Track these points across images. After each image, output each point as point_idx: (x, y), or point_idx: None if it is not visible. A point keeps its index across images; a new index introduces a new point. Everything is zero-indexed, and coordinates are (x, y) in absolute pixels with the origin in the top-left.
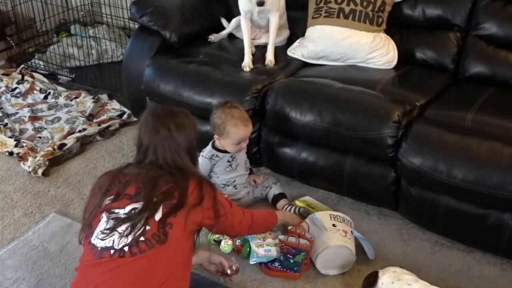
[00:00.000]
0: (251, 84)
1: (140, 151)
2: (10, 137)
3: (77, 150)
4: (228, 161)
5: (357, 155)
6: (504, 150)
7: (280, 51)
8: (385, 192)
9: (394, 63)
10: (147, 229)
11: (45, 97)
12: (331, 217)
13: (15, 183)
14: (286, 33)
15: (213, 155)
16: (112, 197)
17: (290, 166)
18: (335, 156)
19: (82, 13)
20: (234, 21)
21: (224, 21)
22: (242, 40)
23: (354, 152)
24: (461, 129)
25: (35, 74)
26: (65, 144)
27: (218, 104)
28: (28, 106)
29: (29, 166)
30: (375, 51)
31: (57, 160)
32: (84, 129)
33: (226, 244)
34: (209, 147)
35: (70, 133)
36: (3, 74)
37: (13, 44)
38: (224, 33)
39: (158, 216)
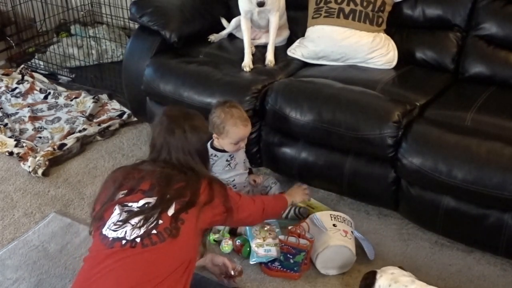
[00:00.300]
0: (251, 84)
1: (154, 151)
2: (10, 137)
3: (77, 150)
4: (227, 161)
5: (357, 155)
6: (504, 150)
7: (280, 51)
8: (385, 192)
9: (394, 63)
10: (159, 223)
11: (45, 97)
12: (331, 217)
13: (15, 183)
14: (286, 33)
15: (211, 154)
16: (125, 191)
17: (290, 166)
18: (335, 156)
19: (82, 13)
20: (234, 21)
21: (224, 21)
22: (242, 40)
23: (354, 152)
24: (461, 129)
25: (35, 74)
26: (65, 144)
27: (217, 103)
28: (28, 106)
29: (29, 166)
30: (375, 51)
31: (57, 160)
32: (84, 129)
33: (226, 244)
34: (207, 147)
35: (70, 133)
36: (3, 74)
37: (13, 44)
38: (224, 33)
39: (170, 211)
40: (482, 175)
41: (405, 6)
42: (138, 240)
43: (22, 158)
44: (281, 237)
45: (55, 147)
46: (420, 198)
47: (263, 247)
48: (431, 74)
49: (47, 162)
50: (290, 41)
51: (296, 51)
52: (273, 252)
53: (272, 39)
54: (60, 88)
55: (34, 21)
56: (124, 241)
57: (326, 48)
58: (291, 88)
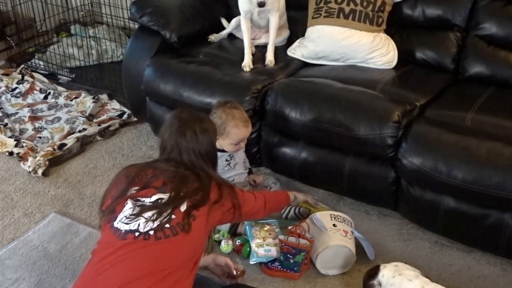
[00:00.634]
0: (251, 84)
1: (164, 153)
2: (10, 137)
3: (77, 150)
4: (227, 160)
5: (357, 155)
6: (504, 150)
7: (280, 51)
8: (385, 192)
9: (394, 63)
10: (172, 217)
11: (45, 97)
12: (331, 217)
13: (15, 183)
14: (286, 33)
15: None
16: (138, 187)
17: (290, 166)
18: (335, 156)
19: (82, 13)
20: (234, 21)
21: (224, 21)
22: (242, 40)
23: (354, 152)
24: (461, 129)
25: (35, 74)
26: (65, 144)
27: (218, 103)
28: (28, 106)
29: (29, 166)
30: (375, 51)
31: (57, 160)
32: (84, 129)
33: (226, 244)
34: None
35: (70, 133)
36: (3, 74)
37: (13, 44)
38: (224, 33)
39: (183, 208)
40: (482, 175)
41: (405, 6)
42: (151, 232)
43: (22, 158)
44: (281, 237)
45: (55, 147)
46: (420, 198)
47: (263, 247)
48: (431, 74)
49: (47, 162)
50: (290, 41)
51: (296, 51)
52: (273, 252)
53: (272, 39)
54: (60, 88)
55: (34, 21)
56: (137, 233)
57: (326, 48)
58: (291, 88)
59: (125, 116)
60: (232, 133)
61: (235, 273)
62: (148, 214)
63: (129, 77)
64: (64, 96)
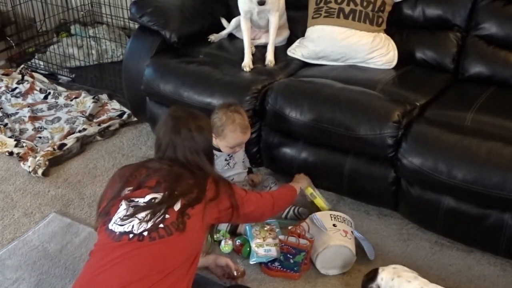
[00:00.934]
0: (251, 84)
1: (159, 151)
2: (10, 137)
3: (77, 150)
4: (226, 160)
5: (357, 155)
6: (504, 150)
7: (280, 51)
8: (385, 192)
9: (394, 63)
10: (166, 217)
11: (45, 97)
12: (331, 217)
13: (15, 183)
14: (286, 33)
15: None
16: (132, 187)
17: (290, 166)
18: (335, 156)
19: (82, 13)
20: (234, 21)
21: (224, 21)
22: (242, 40)
23: (354, 152)
24: (461, 129)
25: (35, 74)
26: (65, 144)
27: (222, 104)
28: (28, 106)
29: (29, 166)
30: (375, 51)
31: (57, 160)
32: (84, 129)
33: (226, 244)
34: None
35: (70, 133)
36: (3, 74)
37: (13, 44)
38: (224, 33)
39: (177, 207)
40: (482, 175)
41: (405, 6)
42: (145, 233)
43: (22, 158)
44: (281, 237)
45: (55, 147)
46: (420, 198)
47: (263, 247)
48: (431, 74)
49: (47, 162)
50: (290, 41)
51: (296, 51)
52: (273, 252)
53: (272, 39)
54: (60, 88)
55: (34, 21)
56: (131, 235)
57: (326, 48)
58: (291, 88)
59: (125, 116)
60: (229, 137)
61: (235, 274)
62: (142, 214)
63: (129, 77)
64: (64, 96)
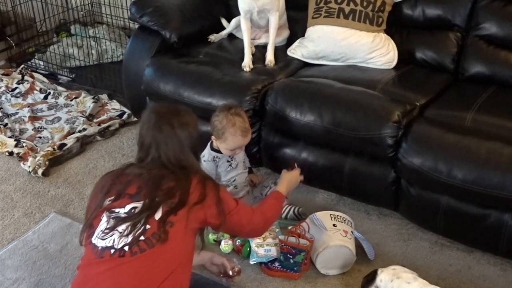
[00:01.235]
0: (251, 84)
1: (142, 149)
2: (10, 137)
3: (77, 150)
4: (228, 161)
5: (357, 155)
6: (504, 150)
7: (280, 51)
8: (385, 192)
9: (394, 63)
10: (147, 228)
11: (45, 97)
12: (331, 217)
13: (15, 183)
14: (286, 33)
15: (214, 156)
16: (113, 197)
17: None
18: (335, 156)
19: (82, 13)
20: (234, 21)
21: (224, 21)
22: (242, 40)
23: (354, 152)
24: (461, 129)
25: (35, 74)
26: (65, 144)
27: (223, 107)
28: (28, 106)
29: (29, 166)
30: (375, 51)
31: (57, 160)
32: (84, 129)
33: (226, 244)
34: (207, 150)
35: (70, 133)
36: (3, 74)
37: (13, 44)
38: (224, 33)
39: (158, 215)
40: (482, 175)
41: (405, 6)
42: (126, 248)
43: (22, 158)
44: (281, 237)
45: (55, 147)
46: (420, 198)
47: (263, 247)
48: (431, 74)
49: (47, 162)
50: (290, 41)
51: (296, 51)
52: (273, 252)
53: (272, 39)
54: (60, 88)
55: (34, 21)
56: (112, 250)
57: (326, 48)
58: (291, 88)
59: (125, 116)
60: (230, 140)
61: (231, 273)
62: (122, 227)
63: (129, 77)
64: (64, 96)
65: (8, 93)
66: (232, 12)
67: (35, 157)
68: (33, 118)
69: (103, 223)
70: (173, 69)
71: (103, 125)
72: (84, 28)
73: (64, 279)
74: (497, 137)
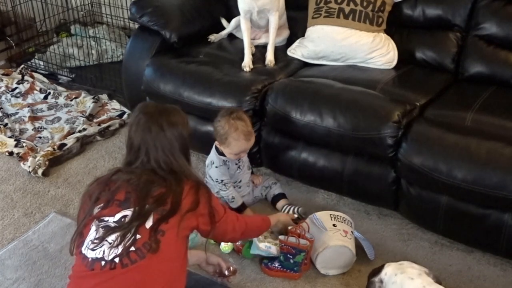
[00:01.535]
0: (251, 84)
1: (131, 152)
2: (10, 137)
3: (77, 150)
4: (236, 163)
5: (357, 155)
6: (504, 150)
7: (280, 51)
8: (385, 192)
9: (394, 63)
10: (137, 238)
11: (45, 97)
12: (331, 217)
13: (15, 183)
14: (286, 33)
15: (223, 160)
16: (102, 205)
17: (290, 166)
18: (335, 156)
19: (82, 13)
20: (234, 21)
21: (224, 21)
22: (242, 40)
23: (354, 152)
24: (461, 129)
25: (35, 74)
26: (65, 144)
27: (224, 111)
28: (28, 106)
29: (29, 166)
30: (375, 51)
31: (57, 160)
32: (84, 129)
33: (226, 244)
34: (215, 156)
35: (70, 133)
36: (3, 74)
37: (13, 44)
38: (224, 33)
39: (148, 224)
40: (482, 175)
41: (405, 6)
42: (117, 260)
43: (22, 158)
44: (281, 237)
45: (55, 147)
46: (420, 198)
47: (264, 243)
48: (431, 74)
49: (47, 162)
50: (290, 41)
51: (296, 51)
52: (273, 250)
53: (272, 39)
54: (60, 88)
55: (34, 21)
56: (103, 262)
57: (326, 48)
58: (291, 88)
59: (125, 116)
60: (233, 145)
61: (226, 272)
62: (112, 237)
63: (129, 77)
64: (64, 96)
65: (8, 93)
66: (232, 12)
67: (35, 157)
68: (33, 118)
69: (92, 233)
70: (173, 69)
71: (103, 125)
72: (84, 28)
73: (64, 279)
74: (497, 137)
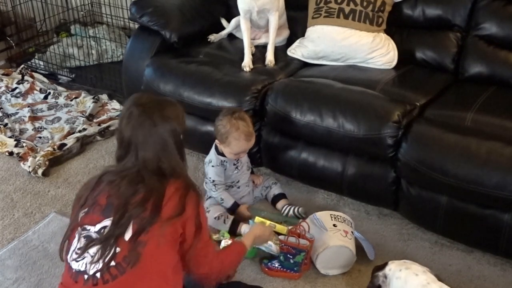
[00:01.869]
0: (251, 84)
1: (121, 146)
2: (10, 137)
3: (77, 150)
4: (234, 164)
5: (357, 155)
6: (504, 150)
7: (280, 51)
8: (385, 192)
9: (394, 63)
10: (117, 251)
11: (45, 97)
12: (331, 217)
13: (15, 183)
14: (286, 33)
15: (221, 160)
16: (86, 209)
17: (290, 166)
18: (335, 156)
19: (82, 13)
20: (234, 21)
21: (224, 21)
22: (242, 40)
23: (354, 152)
24: (461, 129)
25: (35, 74)
26: (65, 144)
27: (226, 111)
28: (28, 106)
29: (29, 166)
30: (375, 51)
31: (57, 160)
32: (84, 129)
33: (226, 244)
34: (214, 155)
35: (70, 133)
36: (3, 74)
37: (13, 44)
38: (224, 33)
39: (128, 235)
40: (482, 175)
41: (405, 6)
42: (98, 275)
43: (22, 158)
44: (281, 237)
45: (55, 147)
46: (420, 198)
47: None
48: (431, 74)
49: (47, 162)
50: (290, 41)
51: (296, 51)
52: (273, 248)
53: (272, 39)
54: (60, 88)
55: (34, 21)
56: (86, 276)
57: (326, 48)
58: (291, 88)
59: None
60: (233, 144)
61: None
62: (93, 250)
63: (129, 77)
64: (64, 96)
65: (8, 93)
66: (232, 12)
67: (35, 157)
68: (33, 118)
69: (75, 242)
70: (173, 69)
71: (103, 125)
72: (84, 28)
73: None
74: (497, 137)
